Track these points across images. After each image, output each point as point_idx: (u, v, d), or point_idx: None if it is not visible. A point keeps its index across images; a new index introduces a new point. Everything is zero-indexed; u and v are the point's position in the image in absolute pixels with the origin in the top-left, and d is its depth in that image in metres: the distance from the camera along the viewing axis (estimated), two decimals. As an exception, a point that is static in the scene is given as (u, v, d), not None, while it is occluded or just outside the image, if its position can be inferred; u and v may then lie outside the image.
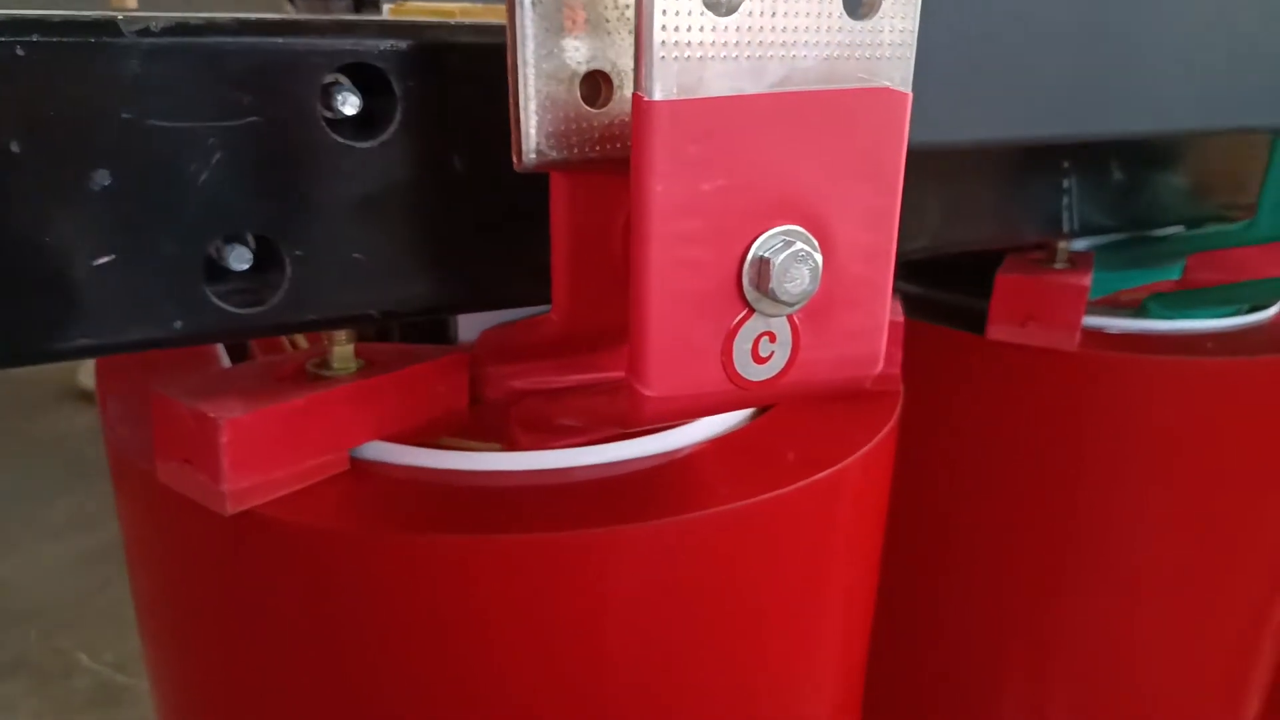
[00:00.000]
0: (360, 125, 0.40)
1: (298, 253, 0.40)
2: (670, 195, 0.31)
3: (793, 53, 0.31)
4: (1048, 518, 0.67)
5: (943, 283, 0.71)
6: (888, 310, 0.37)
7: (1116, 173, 0.64)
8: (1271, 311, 0.73)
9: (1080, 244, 0.75)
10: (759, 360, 0.34)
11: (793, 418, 0.52)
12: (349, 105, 0.40)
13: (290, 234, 0.39)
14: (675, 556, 0.43)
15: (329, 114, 0.39)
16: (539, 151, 0.35)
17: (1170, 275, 0.77)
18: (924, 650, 0.77)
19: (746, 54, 0.31)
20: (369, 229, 0.41)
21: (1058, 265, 0.66)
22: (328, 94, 0.39)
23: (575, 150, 0.35)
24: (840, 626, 0.53)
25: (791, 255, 0.32)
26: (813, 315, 0.35)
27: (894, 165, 0.35)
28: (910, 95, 0.34)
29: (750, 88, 0.31)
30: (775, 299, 0.33)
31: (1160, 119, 0.48)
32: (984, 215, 0.59)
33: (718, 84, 0.30)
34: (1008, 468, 0.67)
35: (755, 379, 0.34)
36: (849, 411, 0.53)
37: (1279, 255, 0.68)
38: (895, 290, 0.78)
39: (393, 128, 0.40)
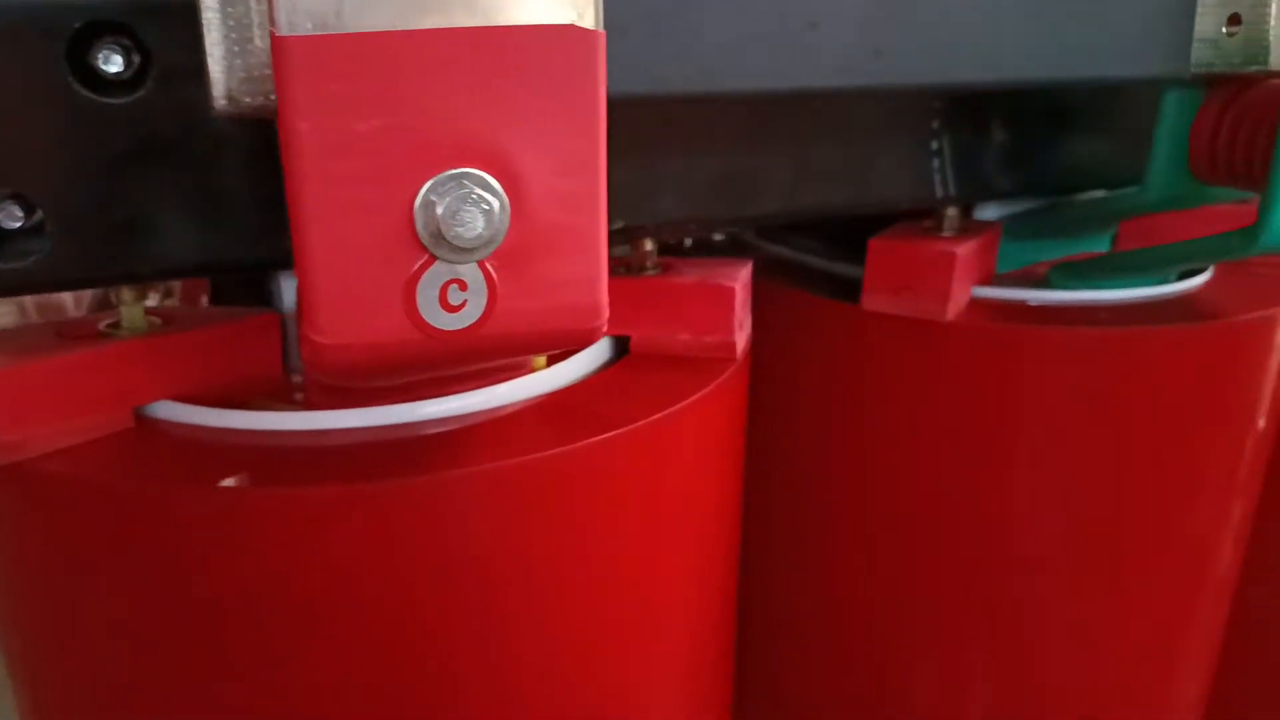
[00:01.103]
0: (125, 82, 0.40)
1: (58, 211, 0.40)
2: (319, 135, 0.30)
3: (451, -13, 0.31)
4: (940, 496, 0.64)
5: (835, 252, 0.69)
6: (602, 260, 0.35)
7: (1000, 133, 0.60)
8: (1198, 280, 0.68)
9: (993, 212, 0.71)
10: (450, 309, 0.33)
11: (625, 378, 0.51)
12: (111, 63, 0.40)
13: (49, 192, 0.40)
14: (446, 511, 0.42)
15: (100, 72, 0.40)
16: (230, 97, 0.34)
17: (1102, 245, 0.73)
18: (826, 634, 0.75)
19: (395, -12, 0.30)
20: (134, 186, 0.41)
21: (945, 233, 0.64)
22: (93, 51, 0.40)
23: (273, 96, 0.35)
24: (673, 588, 0.52)
25: (461, 198, 0.31)
26: (509, 263, 0.34)
27: (589, 108, 0.33)
28: (602, 34, 0.33)
29: (402, 23, 0.30)
30: (452, 245, 0.32)
31: (975, 69, 0.45)
32: (842, 178, 0.56)
33: (362, 19, 0.30)
34: (891, 443, 0.64)
35: (448, 328, 0.34)
36: (684, 374, 0.51)
37: (1206, 220, 0.64)
38: (778, 257, 0.75)
39: (148, 84, 0.40)
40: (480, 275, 0.33)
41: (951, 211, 0.64)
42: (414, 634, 0.44)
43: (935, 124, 0.58)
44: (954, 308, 0.60)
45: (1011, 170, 0.62)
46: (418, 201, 0.32)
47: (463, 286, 0.33)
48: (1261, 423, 0.68)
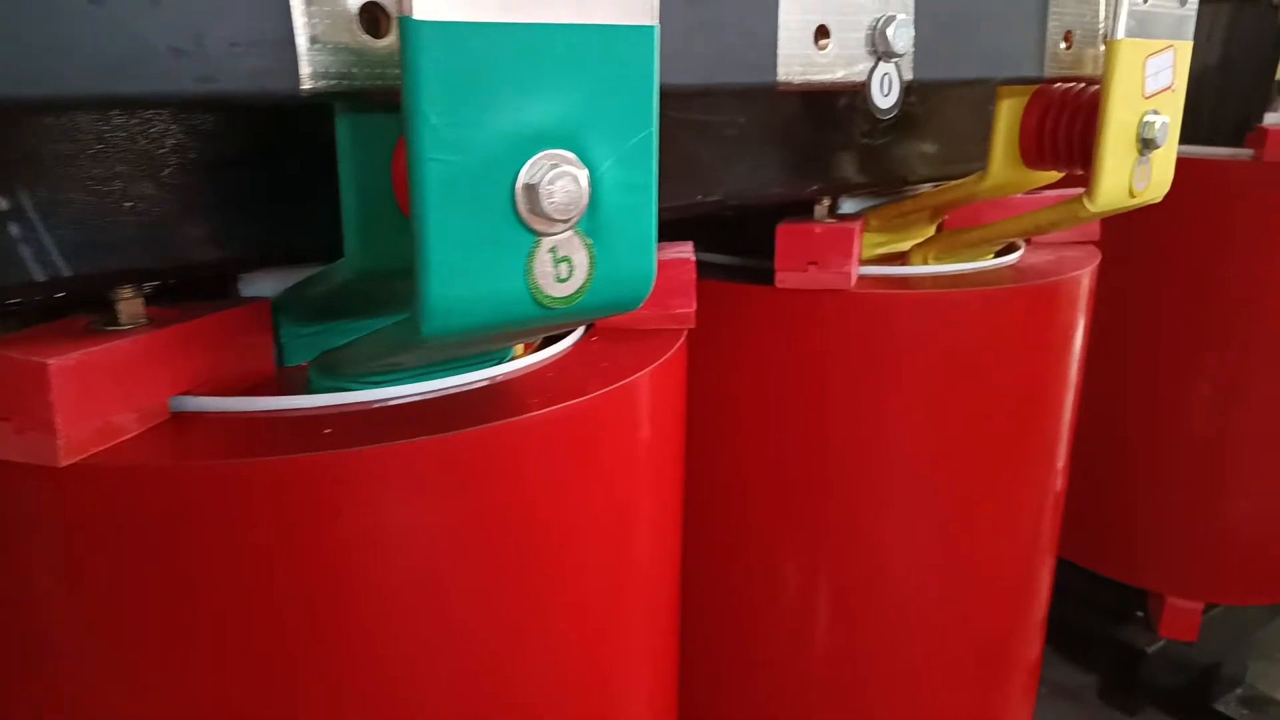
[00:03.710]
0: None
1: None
2: None
3: None
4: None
5: None
6: None
7: (142, 185, 0.42)
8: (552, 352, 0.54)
9: (268, 286, 0.53)
10: None
11: None
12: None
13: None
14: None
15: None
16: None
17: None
18: None
19: None
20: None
21: (124, 326, 0.44)
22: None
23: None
24: None
25: None
26: None
27: None
28: None
29: None
30: None
31: None
32: None
33: None
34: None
35: None
36: None
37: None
38: None
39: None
40: None
41: (127, 293, 0.44)
42: None
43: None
44: (76, 445, 0.40)
45: (161, 237, 0.43)
46: None
47: None
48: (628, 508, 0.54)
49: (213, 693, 0.44)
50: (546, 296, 0.38)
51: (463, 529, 0.45)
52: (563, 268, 0.38)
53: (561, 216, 0.37)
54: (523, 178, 0.36)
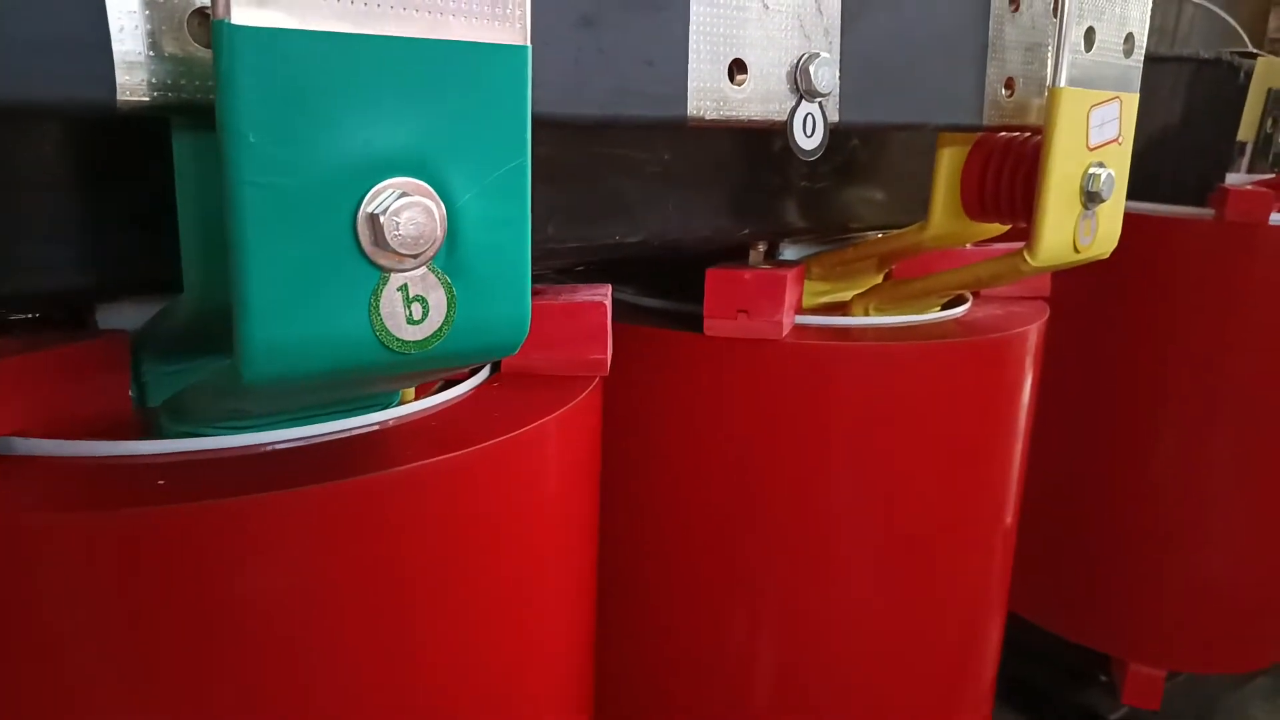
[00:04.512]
0: None
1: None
2: None
3: None
4: None
5: None
6: None
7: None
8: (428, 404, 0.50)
9: (128, 317, 0.49)
10: None
11: None
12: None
13: None
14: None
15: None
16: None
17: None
18: None
19: None
20: None
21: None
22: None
23: None
24: None
25: None
26: None
27: None
28: None
29: None
30: None
31: None
32: None
33: None
34: None
35: None
36: None
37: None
38: None
39: None
40: None
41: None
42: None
43: None
44: None
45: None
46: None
47: None
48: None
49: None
50: (396, 340, 0.34)
51: (318, 595, 0.41)
52: (415, 308, 0.34)
53: (410, 251, 0.33)
54: (366, 207, 0.32)
